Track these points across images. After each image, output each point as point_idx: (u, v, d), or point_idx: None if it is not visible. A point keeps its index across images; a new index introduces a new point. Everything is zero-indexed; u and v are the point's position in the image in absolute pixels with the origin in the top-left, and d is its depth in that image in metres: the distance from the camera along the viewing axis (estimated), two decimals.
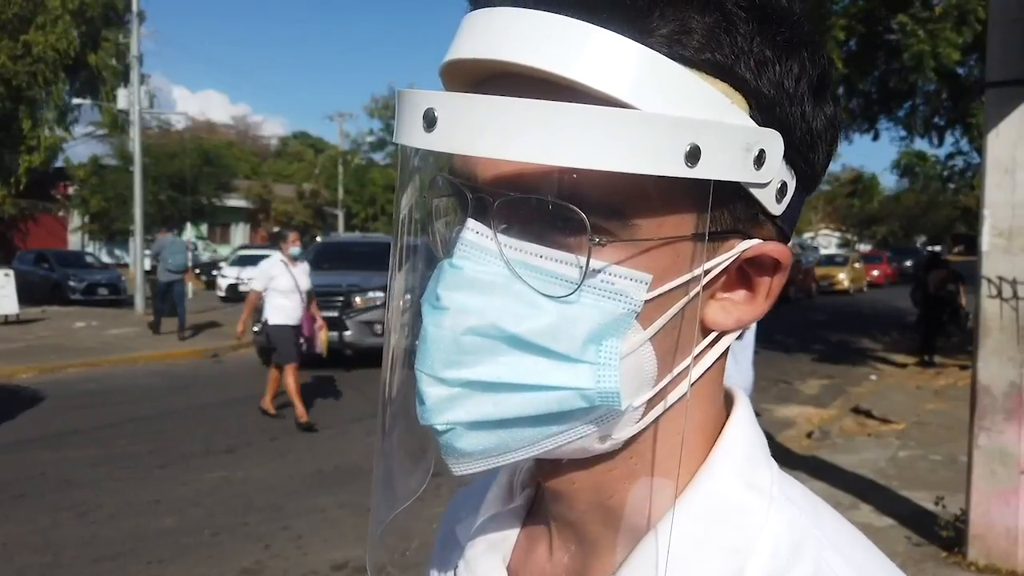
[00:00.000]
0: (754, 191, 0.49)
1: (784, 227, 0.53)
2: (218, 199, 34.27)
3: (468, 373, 0.48)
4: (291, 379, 7.73)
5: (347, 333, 10.91)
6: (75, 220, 31.77)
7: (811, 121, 0.51)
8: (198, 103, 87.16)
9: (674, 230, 0.49)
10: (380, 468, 0.60)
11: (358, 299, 11.12)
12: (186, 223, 32.68)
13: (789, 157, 0.50)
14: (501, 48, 0.47)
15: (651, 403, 0.52)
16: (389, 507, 0.60)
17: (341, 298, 11.05)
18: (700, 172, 0.45)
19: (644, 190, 0.47)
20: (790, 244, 0.54)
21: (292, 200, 40.71)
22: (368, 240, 14.73)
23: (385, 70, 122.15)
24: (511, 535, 0.65)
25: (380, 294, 11.05)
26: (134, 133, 19.83)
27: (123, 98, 20.95)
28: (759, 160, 0.48)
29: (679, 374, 0.52)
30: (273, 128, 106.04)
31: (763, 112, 0.49)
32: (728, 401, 0.59)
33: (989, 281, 4.41)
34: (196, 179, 31.21)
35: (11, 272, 16.28)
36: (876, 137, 14.50)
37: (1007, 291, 4.36)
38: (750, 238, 0.51)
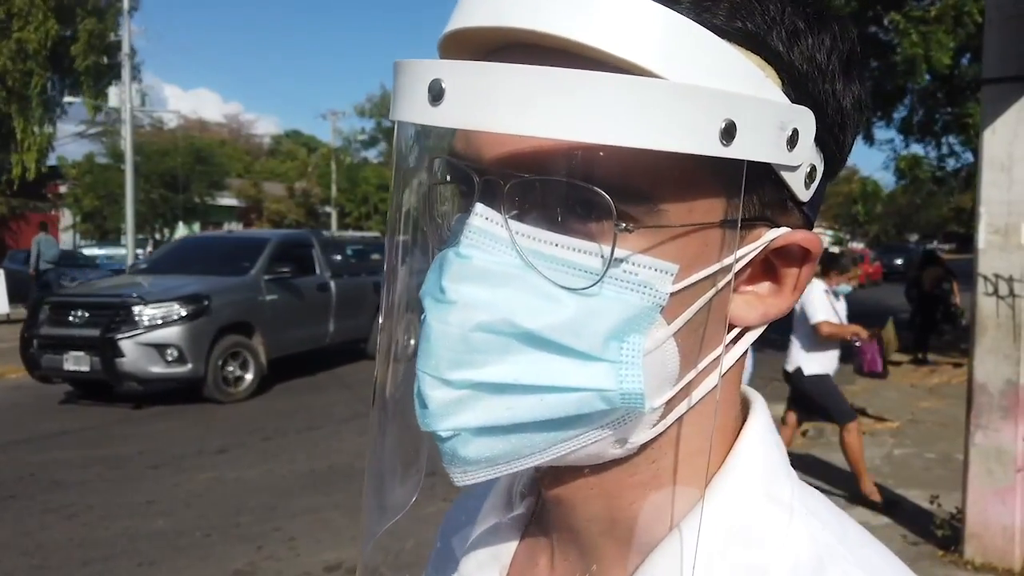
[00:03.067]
0: (784, 175, 0.46)
1: (810, 214, 0.50)
2: (210, 198, 34.20)
3: (477, 374, 0.44)
4: (856, 440, 5.65)
5: (123, 360, 8.23)
6: (66, 219, 31.61)
7: (841, 99, 0.48)
8: (190, 102, 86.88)
9: (702, 216, 0.45)
10: (371, 476, 0.56)
11: (146, 314, 8.36)
12: (178, 221, 32.59)
13: (819, 138, 0.46)
14: (511, 14, 0.42)
15: (670, 404, 0.48)
16: (380, 518, 0.56)
17: (109, 312, 8.40)
18: (734, 151, 0.41)
19: (671, 171, 0.43)
20: None
21: (284, 199, 40.59)
22: (237, 237, 12.02)
23: (377, 68, 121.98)
24: (509, 548, 0.60)
25: (176, 307, 8.47)
26: (126, 131, 19.74)
27: (115, 96, 20.88)
28: (792, 140, 0.44)
29: (702, 372, 0.48)
30: (265, 126, 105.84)
31: (795, 88, 0.45)
32: (744, 406, 0.55)
33: (985, 278, 4.40)
34: (188, 178, 31.11)
35: (1, 271, 16.17)
36: (872, 141, 14.47)
37: (1003, 288, 4.34)
38: (777, 226, 0.48)
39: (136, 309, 8.35)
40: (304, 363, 10.59)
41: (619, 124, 0.39)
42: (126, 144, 19.59)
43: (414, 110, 0.43)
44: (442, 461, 0.48)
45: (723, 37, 0.43)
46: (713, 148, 0.41)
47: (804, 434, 7.74)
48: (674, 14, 0.41)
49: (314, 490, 5.85)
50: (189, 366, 8.45)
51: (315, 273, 10.58)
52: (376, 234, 32.85)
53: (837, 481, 5.88)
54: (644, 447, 0.49)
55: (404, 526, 0.58)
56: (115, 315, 8.35)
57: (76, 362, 8.41)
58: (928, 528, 4.82)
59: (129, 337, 8.24)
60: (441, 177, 0.50)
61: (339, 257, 12.13)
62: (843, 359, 6.26)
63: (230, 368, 8.95)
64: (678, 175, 0.43)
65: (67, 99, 24.08)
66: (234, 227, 41.05)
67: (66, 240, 32.08)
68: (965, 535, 4.46)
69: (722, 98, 0.41)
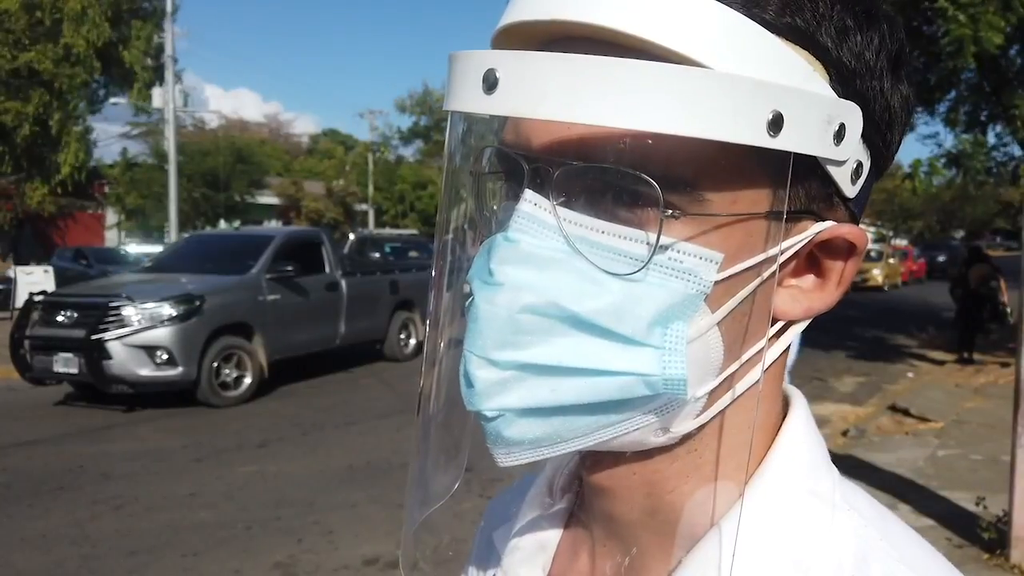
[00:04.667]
0: (830, 169, 0.46)
1: (856, 210, 0.50)
2: (250, 196, 34.73)
3: (522, 355, 0.45)
4: None
5: (110, 362, 7.89)
6: (111, 217, 32.33)
7: (889, 98, 0.48)
8: (231, 102, 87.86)
9: (748, 206, 0.45)
10: (415, 465, 0.57)
11: (134, 315, 8.01)
12: (220, 220, 33.15)
13: (866, 135, 0.47)
14: (563, 8, 0.44)
15: (713, 395, 0.48)
16: (422, 505, 0.58)
17: (96, 312, 8.06)
18: (781, 143, 0.42)
19: (718, 160, 0.43)
20: None
21: (321, 197, 41.03)
22: (241, 235, 11.28)
23: (414, 67, 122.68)
24: (551, 542, 0.61)
25: (167, 307, 8.12)
26: (169, 132, 20.12)
27: (158, 97, 21.30)
28: (839, 135, 0.44)
29: (745, 364, 0.48)
30: (304, 125, 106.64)
31: (843, 84, 0.45)
32: (784, 402, 0.55)
33: None
34: (229, 177, 31.63)
35: (51, 268, 16.62)
36: (912, 129, 14.16)
37: None
38: (823, 220, 0.48)
39: (124, 310, 8.03)
40: (336, 360, 10.71)
41: (667, 112, 0.40)
42: (169, 145, 19.98)
43: (468, 99, 0.44)
44: (486, 442, 0.48)
45: (772, 31, 0.43)
46: (760, 139, 0.41)
47: (845, 434, 7.62)
48: (724, 7, 0.42)
49: (352, 485, 5.92)
50: (180, 369, 8.07)
51: (324, 271, 10.02)
52: (414, 231, 33.07)
53: (880, 482, 5.79)
54: (686, 438, 0.49)
55: (440, 521, 0.60)
56: (102, 316, 8.02)
57: (65, 364, 8.11)
58: (973, 531, 4.71)
59: (116, 338, 7.90)
60: (492, 167, 0.51)
61: (377, 255, 11.96)
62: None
63: (226, 371, 8.55)
64: (724, 165, 0.44)
65: (113, 100, 24.63)
66: (274, 225, 41.64)
67: (111, 238, 32.84)
68: (1011, 538, 4.36)
69: (769, 89, 0.41)
